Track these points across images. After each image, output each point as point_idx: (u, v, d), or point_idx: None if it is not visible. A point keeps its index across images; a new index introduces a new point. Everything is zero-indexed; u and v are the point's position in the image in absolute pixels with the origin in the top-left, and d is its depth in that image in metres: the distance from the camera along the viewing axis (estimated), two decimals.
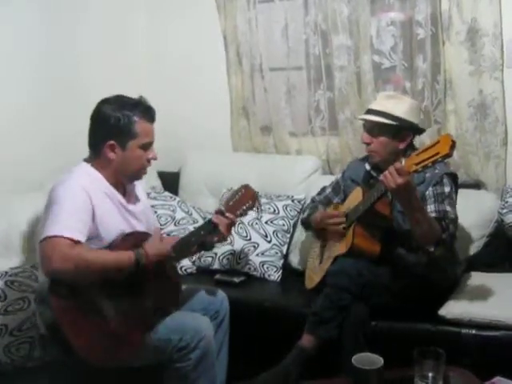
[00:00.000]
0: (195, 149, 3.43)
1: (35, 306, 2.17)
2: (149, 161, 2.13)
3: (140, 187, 2.32)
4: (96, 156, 2.10)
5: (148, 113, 2.10)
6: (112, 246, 2.04)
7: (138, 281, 2.01)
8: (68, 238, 1.89)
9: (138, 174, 2.16)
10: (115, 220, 2.09)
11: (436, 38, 2.83)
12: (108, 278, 1.94)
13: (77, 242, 1.91)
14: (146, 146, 2.10)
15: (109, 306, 1.95)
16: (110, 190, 2.10)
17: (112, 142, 2.05)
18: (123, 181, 2.17)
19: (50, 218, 1.93)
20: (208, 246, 2.30)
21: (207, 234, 2.20)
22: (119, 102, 2.07)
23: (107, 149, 2.06)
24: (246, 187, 2.33)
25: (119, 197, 2.13)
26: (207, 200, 3.27)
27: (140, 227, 2.18)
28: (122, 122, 2.04)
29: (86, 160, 2.13)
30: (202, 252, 2.67)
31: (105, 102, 2.09)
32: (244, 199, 2.29)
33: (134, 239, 2.08)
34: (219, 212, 2.22)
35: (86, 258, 1.90)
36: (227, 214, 2.20)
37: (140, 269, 1.97)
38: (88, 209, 1.99)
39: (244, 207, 2.28)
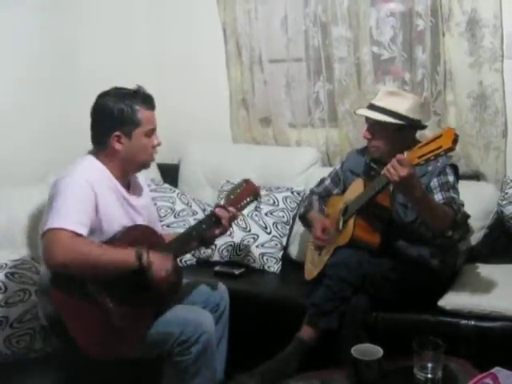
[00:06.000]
0: (195, 140, 3.42)
1: (37, 297, 2.17)
2: (154, 147, 2.14)
3: (143, 182, 2.32)
4: (102, 149, 2.09)
5: (148, 100, 2.11)
6: (114, 240, 2.03)
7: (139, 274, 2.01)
8: (70, 231, 1.88)
9: (146, 162, 2.16)
10: (118, 214, 2.09)
11: (436, 29, 2.82)
12: (108, 273, 1.93)
13: (79, 235, 1.90)
14: (150, 133, 2.11)
15: (109, 298, 1.94)
16: (115, 184, 2.10)
17: (118, 132, 2.05)
18: (131, 171, 2.17)
19: (52, 211, 1.92)
20: (208, 242, 2.32)
21: (209, 228, 2.23)
22: (119, 94, 2.08)
23: (114, 140, 2.06)
24: (248, 182, 2.36)
25: (123, 191, 2.13)
26: (207, 191, 3.27)
27: (141, 222, 2.17)
28: (126, 111, 2.05)
29: (90, 152, 2.12)
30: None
31: (104, 95, 2.10)
32: (245, 194, 2.34)
33: (136, 233, 2.08)
34: (221, 205, 2.25)
35: (88, 252, 1.89)
36: (229, 208, 2.24)
37: (141, 269, 1.95)
38: (91, 202, 1.98)
39: (245, 201, 2.34)
